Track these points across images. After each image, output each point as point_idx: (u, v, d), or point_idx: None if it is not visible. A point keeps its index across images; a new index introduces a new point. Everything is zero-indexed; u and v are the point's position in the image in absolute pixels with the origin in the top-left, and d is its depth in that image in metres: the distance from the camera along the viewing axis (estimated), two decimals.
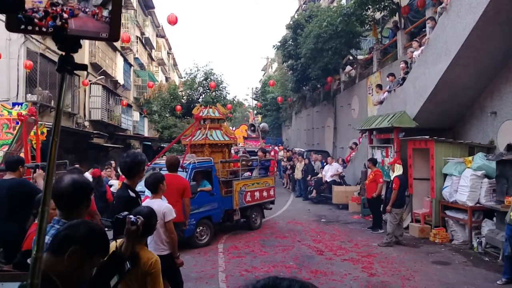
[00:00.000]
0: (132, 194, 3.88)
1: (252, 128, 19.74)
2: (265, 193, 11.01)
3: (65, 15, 1.13)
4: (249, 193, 10.35)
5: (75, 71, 1.27)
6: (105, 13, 1.15)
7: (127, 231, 2.62)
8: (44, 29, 1.13)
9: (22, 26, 1.12)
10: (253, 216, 10.75)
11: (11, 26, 1.13)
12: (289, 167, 19.28)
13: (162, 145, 22.37)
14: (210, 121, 10.56)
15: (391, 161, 9.83)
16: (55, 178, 1.72)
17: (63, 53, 1.19)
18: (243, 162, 10.85)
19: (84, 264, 1.80)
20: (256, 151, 13.81)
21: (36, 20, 1.11)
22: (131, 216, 2.65)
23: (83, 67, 1.28)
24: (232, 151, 11.91)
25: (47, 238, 2.28)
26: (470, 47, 8.46)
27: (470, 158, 8.93)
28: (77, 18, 1.14)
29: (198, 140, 10.21)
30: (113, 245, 3.01)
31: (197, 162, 9.14)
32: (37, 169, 6.83)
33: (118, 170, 9.81)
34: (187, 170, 8.66)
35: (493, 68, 9.06)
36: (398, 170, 9.20)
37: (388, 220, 9.08)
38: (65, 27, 1.13)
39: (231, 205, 9.87)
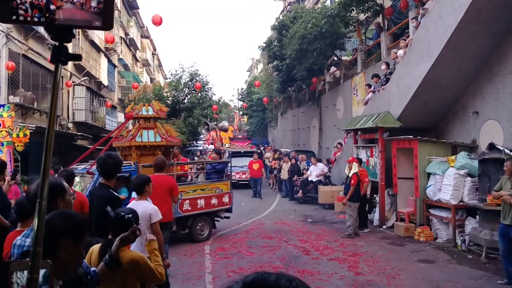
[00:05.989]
0: (115, 194, 3.94)
1: (206, 127, 18.61)
2: (214, 201, 9.53)
3: (53, 7, 1.12)
4: (187, 201, 8.98)
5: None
6: (94, 3, 1.15)
7: (127, 239, 2.56)
8: (36, 19, 1.12)
9: (14, 17, 1.11)
10: (198, 226, 9.46)
11: (3, 16, 1.12)
12: (278, 167, 19.14)
13: None
14: (144, 120, 9.21)
15: (348, 160, 10.48)
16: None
17: (56, 43, 1.18)
18: (190, 166, 10.22)
19: (77, 248, 1.92)
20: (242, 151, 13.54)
21: (22, 12, 1.10)
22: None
23: (77, 57, 1.26)
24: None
25: (28, 241, 2.27)
26: (452, 48, 8.59)
27: (453, 157, 9.05)
28: (64, 9, 1.13)
29: (123, 142, 8.90)
30: (95, 248, 2.98)
31: None
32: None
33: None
34: (93, 176, 7.31)
35: (475, 68, 9.21)
36: (355, 168, 9.98)
37: (347, 213, 9.75)
38: (54, 18, 1.12)
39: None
